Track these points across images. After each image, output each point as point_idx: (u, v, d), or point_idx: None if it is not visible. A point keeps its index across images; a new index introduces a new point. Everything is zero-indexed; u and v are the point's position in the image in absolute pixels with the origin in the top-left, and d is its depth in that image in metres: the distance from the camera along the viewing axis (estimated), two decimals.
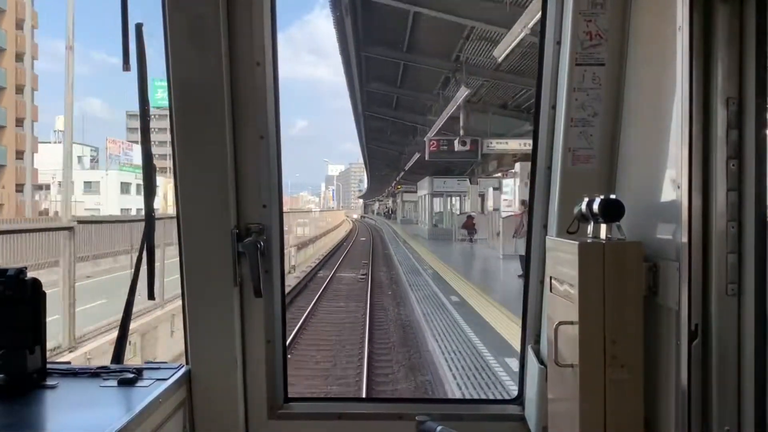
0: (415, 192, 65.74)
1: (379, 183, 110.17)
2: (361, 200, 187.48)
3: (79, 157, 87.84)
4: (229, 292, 2.70)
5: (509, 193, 32.12)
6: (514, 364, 10.48)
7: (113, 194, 76.87)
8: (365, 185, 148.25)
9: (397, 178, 70.70)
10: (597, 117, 2.51)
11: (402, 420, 2.78)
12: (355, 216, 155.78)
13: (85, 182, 78.28)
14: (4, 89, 53.44)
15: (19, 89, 56.63)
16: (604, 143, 2.53)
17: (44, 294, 2.29)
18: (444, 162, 38.60)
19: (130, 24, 2.55)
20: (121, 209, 70.37)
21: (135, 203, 74.29)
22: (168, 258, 15.84)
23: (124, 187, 80.00)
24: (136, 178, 78.94)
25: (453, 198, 50.34)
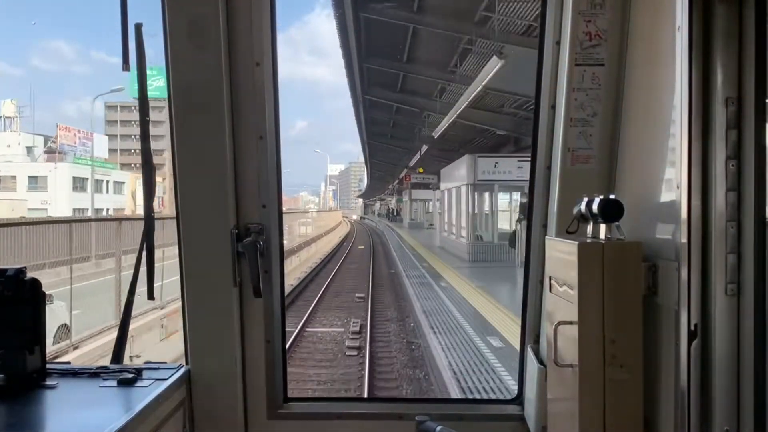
0: (429, 188, 54.12)
1: (380, 181, 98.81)
2: (360, 200, 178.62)
3: (29, 148, 75.98)
4: (228, 292, 2.70)
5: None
6: None
7: (64, 191, 63.20)
8: (365, 184, 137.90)
9: (409, 165, 51.97)
10: (596, 117, 2.52)
11: (402, 420, 2.78)
12: (354, 217, 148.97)
13: (29, 177, 64.87)
14: None
15: None
16: (604, 143, 2.53)
17: (44, 294, 2.29)
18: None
19: (130, 24, 2.55)
20: (74, 209, 57.50)
21: (92, 202, 59.06)
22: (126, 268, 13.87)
23: (79, 183, 65.62)
24: (95, 173, 65.88)
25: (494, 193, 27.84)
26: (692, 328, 1.90)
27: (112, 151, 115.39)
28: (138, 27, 2.57)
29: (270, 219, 2.75)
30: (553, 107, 2.64)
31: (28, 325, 2.26)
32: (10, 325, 2.23)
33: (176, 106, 2.62)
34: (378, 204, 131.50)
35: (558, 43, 2.61)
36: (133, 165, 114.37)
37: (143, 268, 2.73)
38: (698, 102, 1.90)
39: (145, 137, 2.74)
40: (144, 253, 2.70)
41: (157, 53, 2.63)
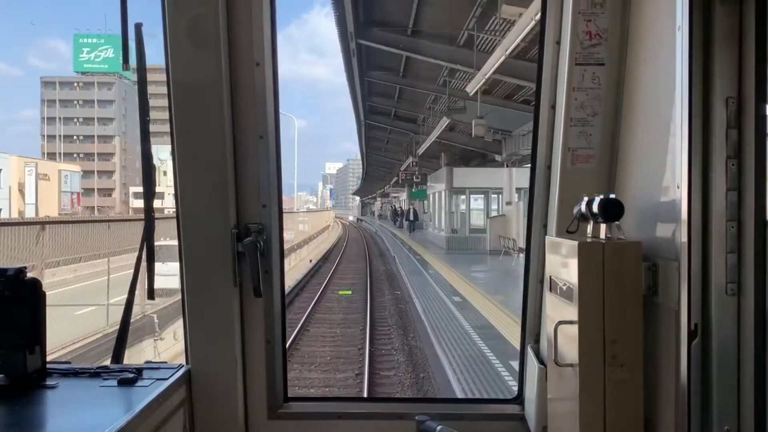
0: (497, 160, 30.88)
1: (382, 167, 70.20)
2: (358, 198, 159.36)
3: None
4: (228, 292, 2.70)
5: None
6: None
7: None
8: (361, 179, 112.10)
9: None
10: (597, 117, 2.52)
11: (402, 419, 2.78)
12: (350, 218, 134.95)
13: None
14: None
15: None
16: (604, 143, 2.53)
17: (44, 294, 2.29)
18: None
19: (130, 24, 2.55)
20: None
21: None
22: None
23: None
24: None
25: None
26: (692, 327, 1.91)
27: (50, 137, 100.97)
28: (138, 27, 2.57)
29: (270, 219, 2.75)
30: (553, 107, 2.64)
31: (29, 325, 2.25)
32: (10, 325, 2.23)
33: (176, 106, 2.62)
34: (379, 202, 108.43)
35: (558, 42, 2.61)
36: (76, 155, 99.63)
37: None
38: (698, 101, 1.91)
39: (145, 137, 2.73)
40: (144, 253, 2.70)
41: (158, 53, 2.63)
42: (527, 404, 2.82)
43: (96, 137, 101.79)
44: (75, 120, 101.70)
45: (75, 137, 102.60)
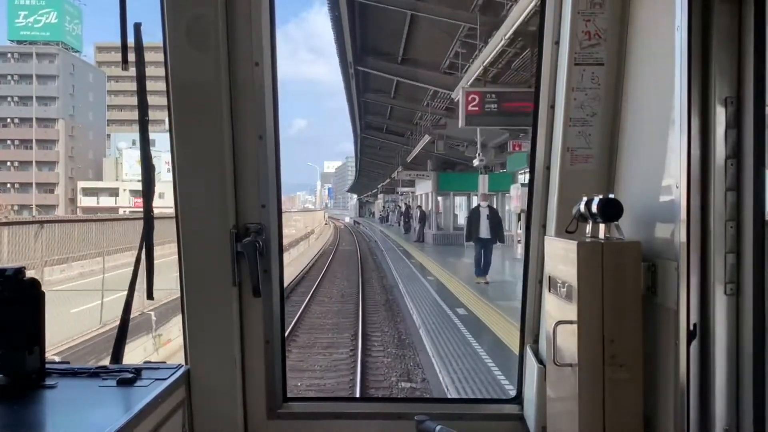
0: None
1: (382, 150, 52.15)
2: (355, 197, 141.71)
3: None
4: (227, 292, 2.70)
5: None
6: None
7: None
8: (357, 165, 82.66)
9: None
10: (596, 117, 2.52)
11: (401, 419, 2.78)
12: (347, 219, 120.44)
13: None
14: None
15: None
16: (603, 143, 2.54)
17: (43, 294, 2.29)
18: None
19: (129, 24, 2.54)
20: None
21: None
22: None
23: None
24: None
25: None
26: (691, 327, 1.91)
27: None
28: (137, 27, 2.56)
29: (269, 219, 2.75)
30: (552, 107, 2.64)
31: (28, 325, 2.25)
32: (9, 325, 2.23)
33: (176, 106, 2.62)
34: (381, 200, 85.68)
35: (557, 42, 2.61)
36: (10, 142, 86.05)
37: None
38: (697, 101, 1.91)
39: (144, 137, 2.73)
40: (143, 252, 2.70)
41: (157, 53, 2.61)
42: (526, 404, 2.82)
43: (35, 120, 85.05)
44: (9, 99, 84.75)
45: (9, 120, 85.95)
